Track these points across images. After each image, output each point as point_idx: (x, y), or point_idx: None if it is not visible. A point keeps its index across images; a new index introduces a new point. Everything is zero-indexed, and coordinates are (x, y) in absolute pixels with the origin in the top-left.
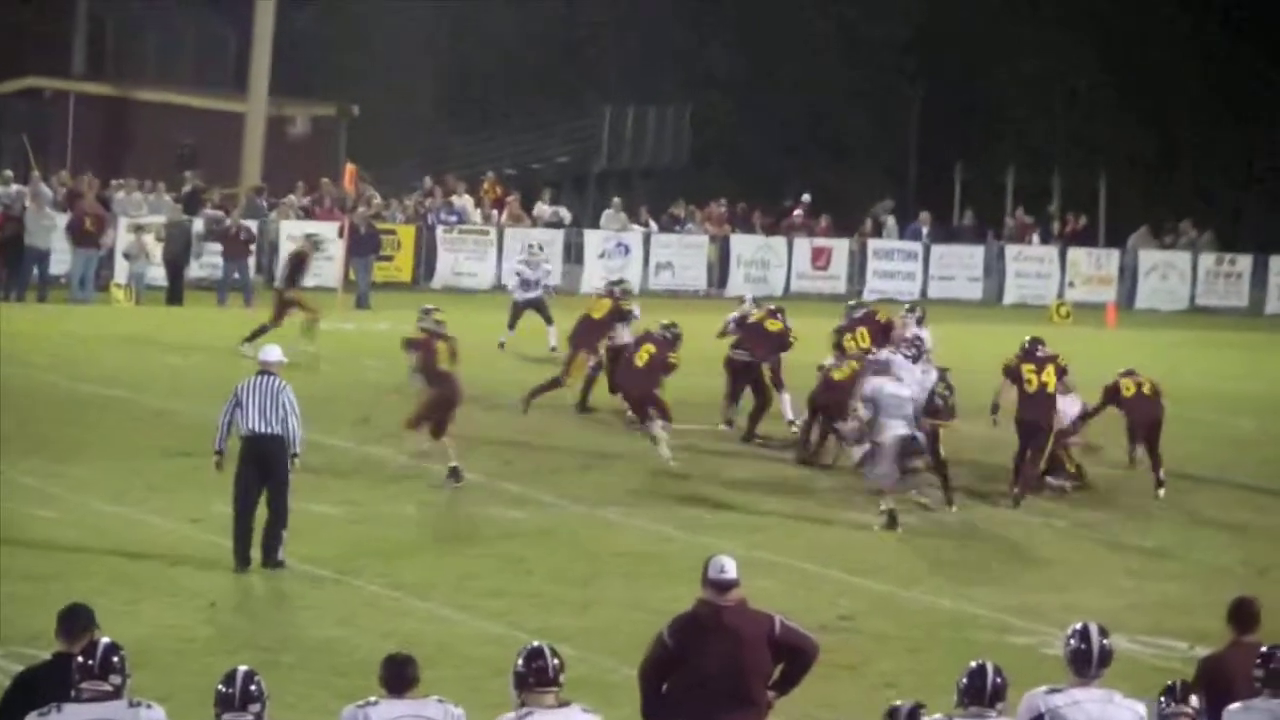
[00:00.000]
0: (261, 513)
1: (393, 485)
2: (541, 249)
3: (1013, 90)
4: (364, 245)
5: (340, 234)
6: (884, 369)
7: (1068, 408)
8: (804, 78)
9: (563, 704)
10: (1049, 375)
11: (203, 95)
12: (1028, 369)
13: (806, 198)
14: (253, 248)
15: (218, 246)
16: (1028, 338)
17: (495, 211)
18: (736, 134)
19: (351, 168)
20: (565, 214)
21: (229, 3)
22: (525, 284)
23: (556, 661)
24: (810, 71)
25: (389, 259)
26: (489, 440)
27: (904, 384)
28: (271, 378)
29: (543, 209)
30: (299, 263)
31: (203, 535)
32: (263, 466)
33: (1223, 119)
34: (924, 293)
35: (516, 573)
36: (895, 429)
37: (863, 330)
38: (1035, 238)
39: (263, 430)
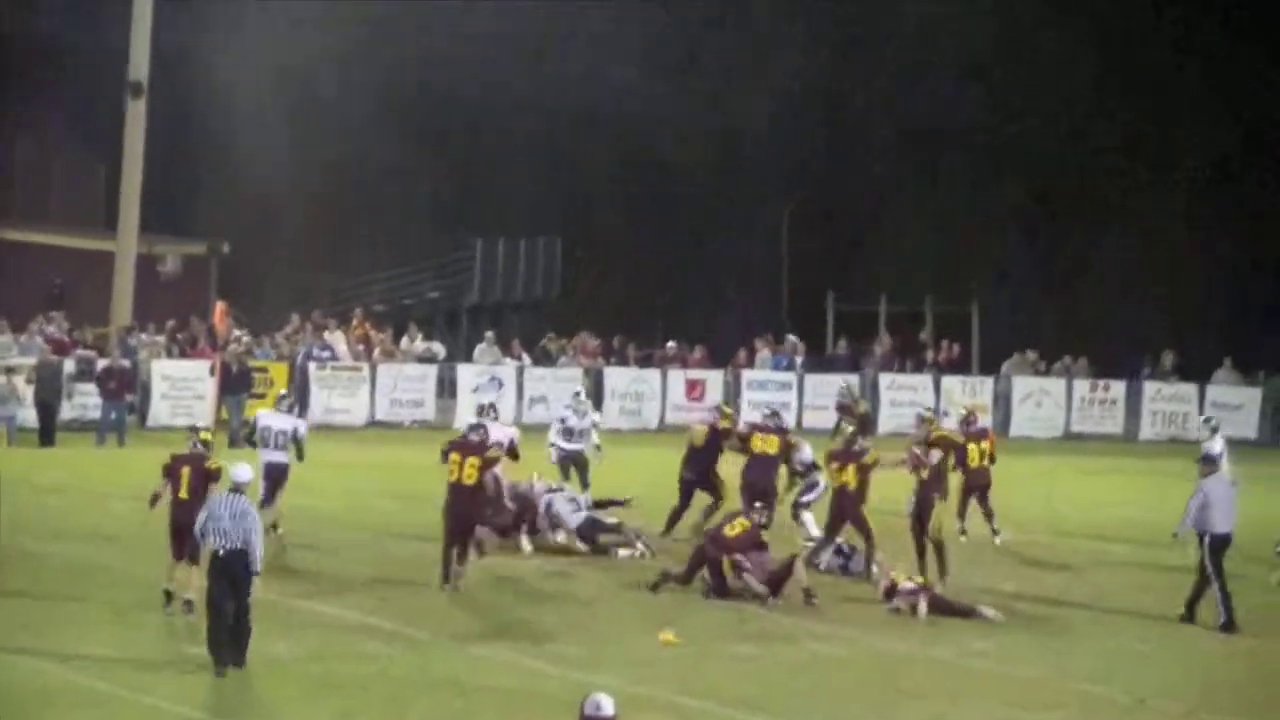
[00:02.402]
0: None
1: (266, 624)
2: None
3: (884, 219)
4: (236, 383)
5: (211, 372)
6: None
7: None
8: (676, 210)
9: None
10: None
11: (72, 234)
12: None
13: (672, 344)
14: (130, 388)
15: (90, 387)
16: None
17: (362, 347)
18: (607, 266)
19: (221, 305)
20: (438, 349)
21: (98, 140)
22: (569, 433)
23: None
24: (684, 203)
25: (261, 396)
26: (363, 576)
27: None
28: (240, 496)
29: (414, 345)
30: None
31: (75, 676)
32: (232, 580)
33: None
34: (799, 422)
35: (393, 711)
36: None
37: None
38: (909, 364)
39: (230, 546)
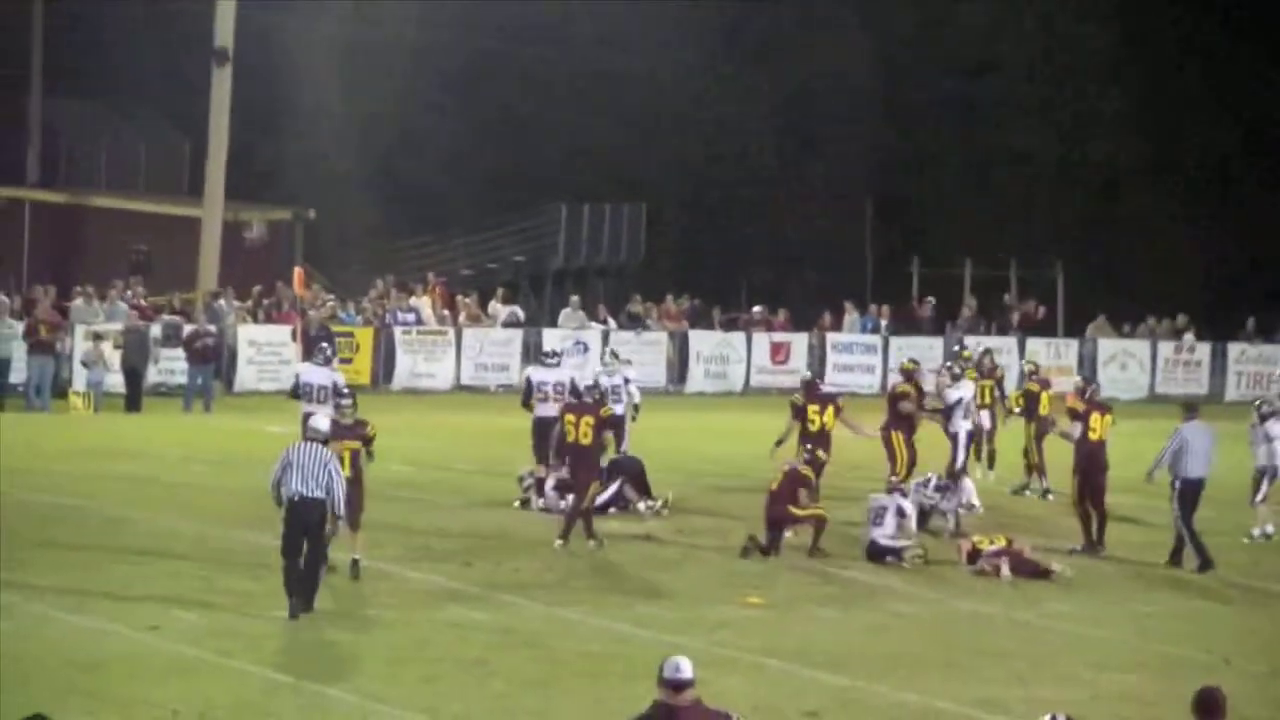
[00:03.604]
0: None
1: (352, 590)
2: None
3: (967, 182)
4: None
5: (294, 337)
6: None
7: None
8: (758, 176)
9: None
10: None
11: (158, 201)
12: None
13: (758, 309)
14: (217, 354)
15: (177, 352)
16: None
17: (447, 312)
18: (690, 233)
19: (299, 270)
20: (520, 313)
21: (182, 111)
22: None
23: None
24: (763, 170)
25: (348, 361)
26: (449, 541)
27: None
28: (319, 446)
29: (497, 309)
30: None
31: (162, 643)
32: (307, 528)
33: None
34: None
35: (477, 676)
36: None
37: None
38: (994, 327)
39: (307, 495)
